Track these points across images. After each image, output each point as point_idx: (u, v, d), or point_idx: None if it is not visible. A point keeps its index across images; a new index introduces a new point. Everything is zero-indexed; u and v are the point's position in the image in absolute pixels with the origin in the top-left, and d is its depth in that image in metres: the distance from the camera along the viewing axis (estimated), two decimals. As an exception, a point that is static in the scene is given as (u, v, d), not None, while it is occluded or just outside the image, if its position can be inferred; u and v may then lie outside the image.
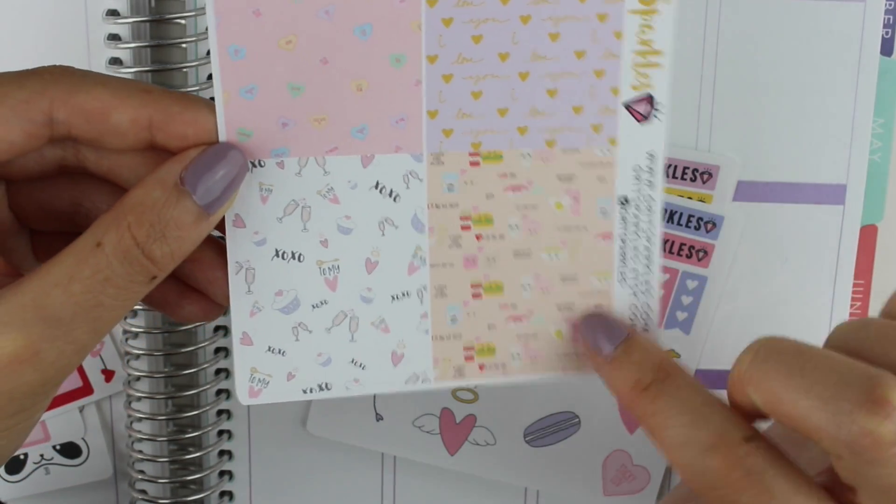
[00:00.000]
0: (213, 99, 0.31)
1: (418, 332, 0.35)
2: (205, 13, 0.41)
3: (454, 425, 0.47)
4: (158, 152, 0.32)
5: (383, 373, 0.35)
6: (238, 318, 0.34)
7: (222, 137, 0.32)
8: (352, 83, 0.33)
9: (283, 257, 0.34)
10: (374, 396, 0.46)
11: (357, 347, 0.35)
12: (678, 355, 0.46)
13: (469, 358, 0.36)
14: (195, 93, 0.42)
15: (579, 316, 0.35)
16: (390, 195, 0.34)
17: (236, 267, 0.34)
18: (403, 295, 0.35)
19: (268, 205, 0.33)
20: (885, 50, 0.44)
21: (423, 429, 0.47)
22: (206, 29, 0.41)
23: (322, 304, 0.35)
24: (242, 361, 0.35)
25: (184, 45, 0.42)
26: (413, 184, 0.34)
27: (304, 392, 0.35)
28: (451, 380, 0.36)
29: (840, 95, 0.44)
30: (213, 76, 0.32)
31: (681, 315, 0.45)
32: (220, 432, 0.46)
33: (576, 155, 0.34)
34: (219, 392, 0.46)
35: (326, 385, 0.35)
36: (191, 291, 0.36)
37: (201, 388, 0.44)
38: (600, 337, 0.34)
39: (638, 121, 0.34)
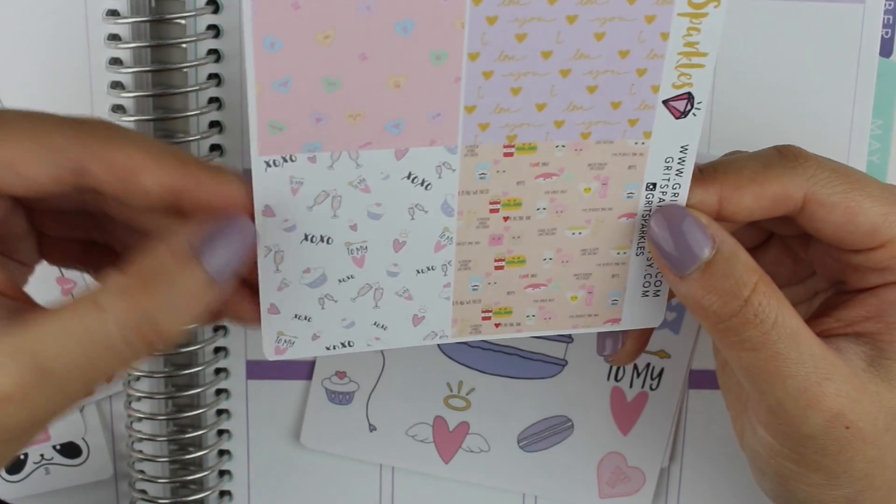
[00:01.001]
0: (224, 149, 0.30)
1: (440, 300, 0.36)
2: (205, 13, 0.41)
3: (447, 433, 0.47)
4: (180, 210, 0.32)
5: (404, 332, 0.36)
6: (266, 291, 0.35)
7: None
8: (389, 79, 0.32)
9: (311, 240, 0.34)
10: (367, 407, 0.46)
11: (380, 312, 0.36)
12: (668, 356, 0.46)
13: (486, 318, 0.37)
14: (195, 92, 0.42)
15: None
16: (422, 184, 0.34)
17: (265, 251, 0.34)
18: (428, 269, 0.35)
19: (298, 196, 0.33)
20: (884, 51, 0.44)
21: (417, 438, 0.47)
22: (207, 28, 0.42)
23: (349, 278, 0.35)
24: (269, 326, 0.35)
25: (184, 45, 0.41)
26: (445, 173, 0.34)
27: (328, 349, 0.36)
28: (467, 335, 0.37)
29: (839, 96, 0.44)
30: (247, 68, 0.31)
31: (669, 315, 0.45)
32: (220, 432, 0.46)
33: (609, 146, 0.34)
34: (218, 392, 0.46)
35: (349, 342, 0.36)
36: None
37: (201, 388, 0.45)
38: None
39: (675, 117, 0.34)
